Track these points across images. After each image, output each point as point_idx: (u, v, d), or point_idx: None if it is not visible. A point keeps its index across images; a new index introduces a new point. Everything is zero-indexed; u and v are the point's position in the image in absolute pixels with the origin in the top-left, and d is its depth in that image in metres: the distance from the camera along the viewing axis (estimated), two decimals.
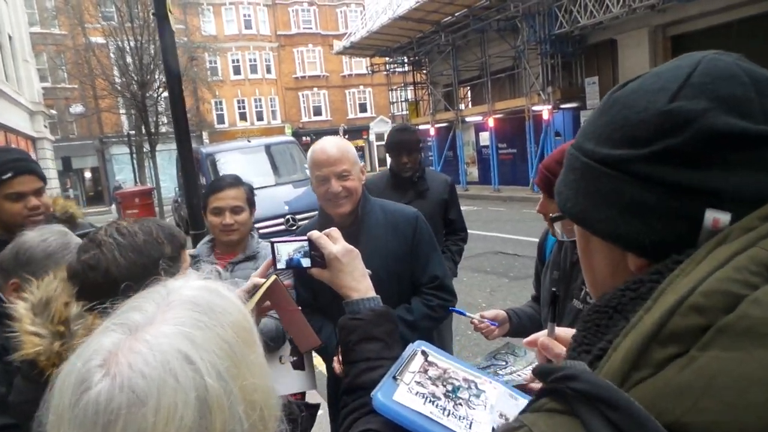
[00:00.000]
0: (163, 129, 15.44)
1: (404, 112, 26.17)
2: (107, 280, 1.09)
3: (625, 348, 0.48)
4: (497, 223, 12.66)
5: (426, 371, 1.11)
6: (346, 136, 35.69)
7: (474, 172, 22.03)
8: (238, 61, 37.25)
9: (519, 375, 1.57)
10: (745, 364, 0.42)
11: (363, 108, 41.09)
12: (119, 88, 16.52)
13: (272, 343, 2.13)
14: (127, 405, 0.53)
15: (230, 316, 0.64)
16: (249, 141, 11.55)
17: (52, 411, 0.57)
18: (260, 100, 38.03)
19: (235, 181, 2.32)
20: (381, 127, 38.33)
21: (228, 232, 2.25)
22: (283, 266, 1.16)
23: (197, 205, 2.34)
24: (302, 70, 39.37)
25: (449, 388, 1.07)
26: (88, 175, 35.07)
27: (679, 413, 0.43)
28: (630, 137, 0.57)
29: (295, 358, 2.39)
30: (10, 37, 18.09)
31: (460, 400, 1.04)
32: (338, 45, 26.77)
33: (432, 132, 22.78)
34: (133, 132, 20.49)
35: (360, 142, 40.10)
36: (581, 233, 0.66)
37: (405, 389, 1.00)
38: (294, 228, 8.56)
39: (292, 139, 12.82)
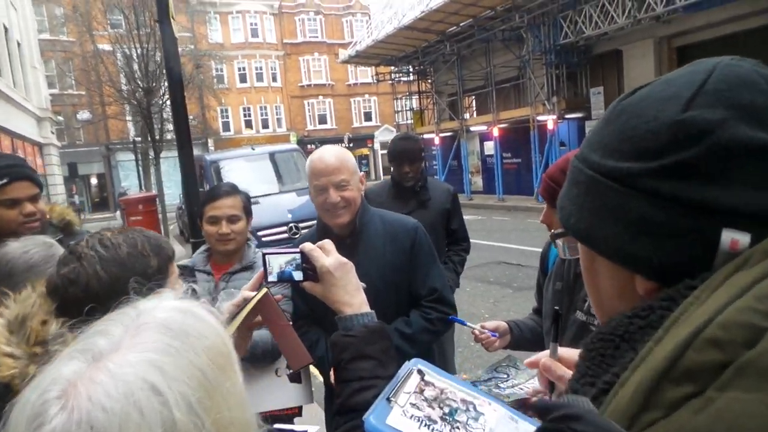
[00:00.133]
0: (168, 136, 15.51)
1: (409, 121, 26.20)
2: (88, 295, 1.02)
3: (633, 385, 0.44)
4: (501, 233, 12.59)
5: (422, 392, 1.06)
6: (351, 145, 35.80)
7: (478, 181, 21.98)
8: (244, 69, 37.46)
9: (521, 388, 1.52)
10: None
11: (368, 117, 41.19)
12: (126, 95, 16.62)
13: (268, 356, 2.08)
14: None
15: (206, 340, 0.59)
16: (253, 149, 11.57)
17: None
18: (266, 108, 38.18)
19: (232, 190, 2.29)
20: (386, 135, 38.38)
21: (224, 241, 2.21)
22: (275, 279, 1.11)
23: (198, 213, 2.31)
24: (308, 79, 39.54)
25: (446, 410, 1.02)
26: (94, 181, 35.22)
27: None
28: (639, 149, 0.52)
29: (291, 371, 2.34)
30: (18, 44, 18.25)
31: (458, 424, 0.99)
32: (344, 54, 26.87)
33: (437, 141, 22.78)
34: (139, 139, 20.59)
35: (365, 151, 40.18)
36: (585, 251, 0.61)
37: (399, 412, 0.96)
38: (297, 236, 8.53)
39: (296, 147, 12.83)
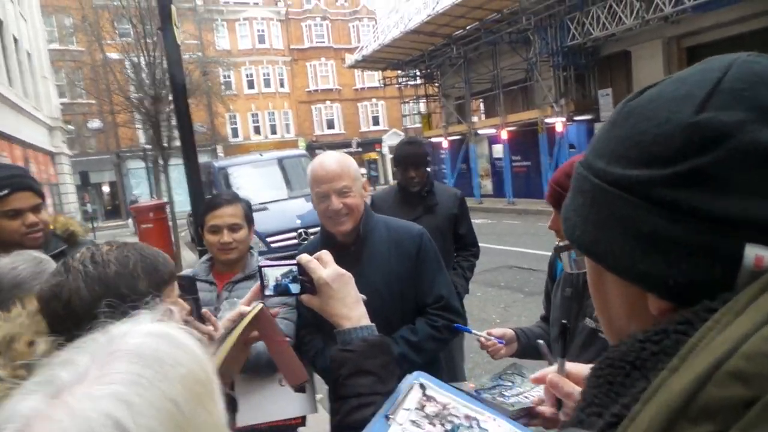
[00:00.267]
0: (177, 143, 15.57)
1: (417, 125, 26.17)
2: (68, 313, 0.96)
3: (645, 421, 0.39)
4: (512, 237, 12.50)
5: (423, 407, 1.02)
6: (360, 149, 35.84)
7: (488, 184, 21.88)
8: (251, 75, 37.66)
9: (526, 397, 1.48)
10: None
11: (376, 121, 41.21)
12: (135, 102, 16.76)
13: (273, 366, 2.05)
14: None
15: (181, 367, 0.54)
16: (261, 155, 11.60)
17: None
18: (274, 113, 38.34)
19: (233, 198, 2.26)
20: (394, 139, 38.35)
21: (226, 250, 2.18)
22: (271, 293, 1.08)
23: (198, 222, 2.29)
24: (315, 84, 39.67)
25: (448, 427, 0.98)
26: (105, 189, 35.53)
27: None
28: (649, 155, 0.47)
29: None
30: (29, 55, 18.47)
31: None
32: (350, 59, 26.93)
33: (445, 145, 22.72)
34: (149, 146, 20.75)
35: (373, 155, 40.20)
36: (593, 266, 0.57)
37: (398, 430, 0.92)
38: (306, 242, 8.51)
39: (304, 152, 12.85)
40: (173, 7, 4.04)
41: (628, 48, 15.75)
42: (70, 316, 0.96)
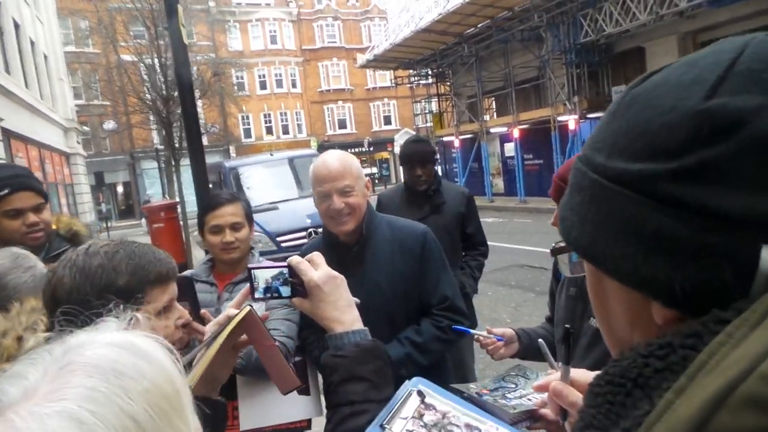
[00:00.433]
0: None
1: (428, 124, 26.09)
2: (53, 301, 0.97)
3: None
4: (523, 236, 12.38)
5: (421, 416, 0.98)
6: (371, 149, 35.82)
7: (499, 183, 21.74)
8: (264, 75, 37.81)
9: (529, 399, 1.43)
10: None
11: (387, 120, 41.19)
12: (149, 103, 16.94)
13: None
14: None
15: (144, 381, 0.50)
16: (272, 154, 11.61)
17: None
18: (286, 114, 38.47)
19: (232, 197, 2.24)
20: (405, 139, 38.32)
21: (229, 250, 2.15)
22: (261, 295, 1.04)
23: (198, 223, 2.26)
24: (327, 84, 39.74)
25: None
26: (120, 189, 35.93)
27: None
28: (653, 147, 0.42)
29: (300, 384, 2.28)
30: (45, 57, 18.71)
31: None
32: (362, 58, 26.91)
33: (456, 144, 22.62)
34: (162, 147, 20.95)
35: (384, 155, 40.19)
36: (592, 270, 0.51)
37: None
38: None
39: (315, 152, 12.83)
40: (180, 7, 4.04)
41: (642, 44, 15.52)
42: (54, 304, 0.95)
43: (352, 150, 36.42)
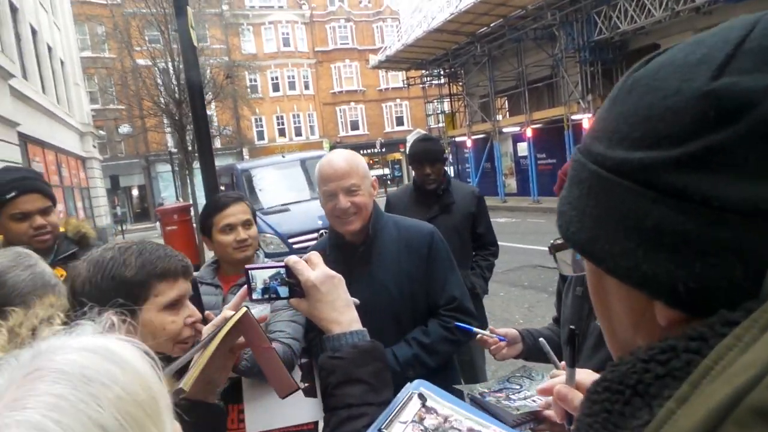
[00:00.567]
0: None
1: (441, 125, 26.03)
2: (72, 293, 1.06)
3: None
4: (536, 236, 12.27)
5: (422, 420, 0.95)
6: (384, 150, 35.83)
7: (512, 183, 21.60)
8: (276, 78, 38.03)
9: (533, 400, 1.40)
10: None
11: (400, 121, 41.17)
12: (163, 107, 17.15)
13: None
14: None
15: (115, 387, 0.47)
16: (284, 156, 11.64)
17: None
18: (299, 115, 38.64)
19: (239, 197, 2.24)
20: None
21: (243, 248, 2.15)
22: (259, 296, 1.02)
23: (204, 226, 2.25)
24: (339, 86, 39.84)
25: None
26: (135, 192, 36.37)
27: None
28: (655, 134, 0.39)
29: (306, 385, 2.25)
30: (62, 62, 19.00)
31: None
32: (374, 59, 26.94)
33: (469, 144, 22.52)
34: (175, 150, 21.17)
35: (397, 155, 40.16)
36: (592, 269, 0.48)
37: None
38: None
39: (326, 153, 12.84)
40: (189, 9, 4.05)
41: (657, 41, 15.28)
42: (72, 296, 1.05)
43: (365, 151, 36.50)
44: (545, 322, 2.28)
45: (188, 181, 13.39)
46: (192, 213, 11.34)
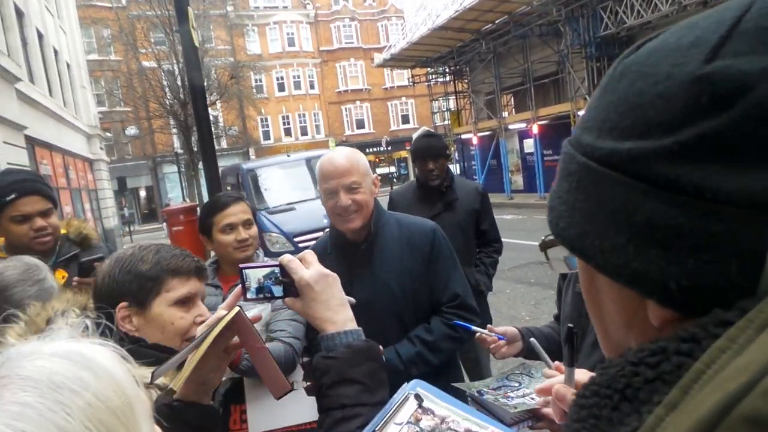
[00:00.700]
0: None
1: (447, 122, 25.97)
2: (94, 286, 1.20)
3: None
4: (543, 232, 11.98)
5: (418, 421, 0.93)
6: (389, 148, 35.80)
7: (519, 180, 21.52)
8: (282, 78, 38.10)
9: (532, 398, 1.38)
10: None
11: (405, 119, 41.12)
12: (168, 108, 17.24)
13: (282, 369, 1.98)
14: None
15: (86, 394, 0.45)
16: (289, 156, 11.65)
17: None
18: (304, 115, 38.69)
19: (238, 197, 2.23)
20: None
21: (244, 247, 2.15)
22: (253, 296, 1.01)
23: (204, 226, 2.24)
24: (345, 84, 39.84)
25: None
26: (142, 194, 36.57)
27: None
28: (646, 122, 0.37)
29: (309, 384, 2.24)
30: (68, 66, 19.11)
31: None
32: (379, 58, 26.91)
33: (475, 141, 22.45)
34: (181, 151, 21.28)
35: (403, 154, 40.12)
36: (583, 266, 0.46)
37: None
38: None
39: None
40: (190, 10, 4.05)
41: None
42: (96, 289, 1.20)
43: (371, 150, 36.50)
44: (551, 318, 2.26)
45: (194, 181, 13.45)
46: (198, 213, 11.36)
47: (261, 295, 1.01)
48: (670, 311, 0.37)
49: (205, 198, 12.90)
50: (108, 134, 27.92)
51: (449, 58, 23.24)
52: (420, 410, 0.94)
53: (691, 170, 0.34)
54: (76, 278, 1.99)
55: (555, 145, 19.04)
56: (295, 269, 0.95)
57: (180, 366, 0.98)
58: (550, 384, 0.84)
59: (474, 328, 1.76)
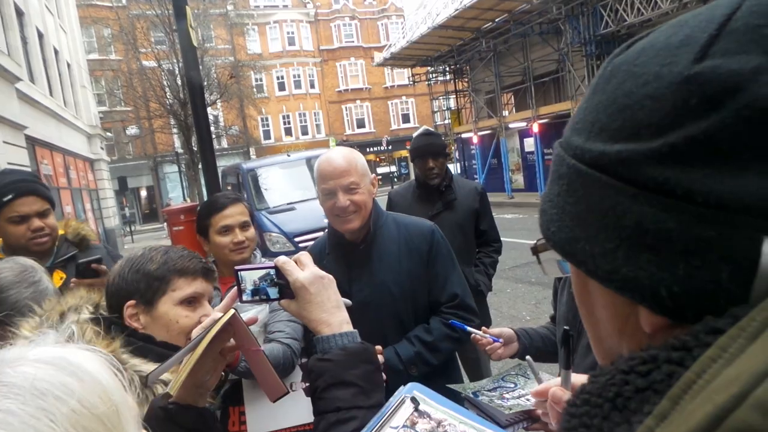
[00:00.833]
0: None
1: (447, 121, 25.95)
2: (108, 287, 1.25)
3: None
4: None
5: (414, 425, 0.92)
6: (390, 147, 35.80)
7: (519, 179, 21.49)
8: (282, 77, 38.08)
9: (527, 399, 1.37)
10: None
11: (406, 118, 41.10)
12: (169, 108, 17.23)
13: (280, 371, 1.98)
14: None
15: (71, 400, 0.45)
16: (289, 155, 11.65)
17: None
18: (305, 114, 38.67)
19: (236, 198, 2.22)
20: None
21: (240, 250, 2.13)
22: (249, 297, 1.00)
23: (200, 226, 2.23)
24: (345, 84, 39.82)
25: None
26: (143, 193, 36.57)
27: None
28: (634, 124, 0.36)
29: (307, 384, 2.23)
30: (68, 65, 19.11)
31: None
32: (379, 57, 26.89)
33: (475, 140, 22.43)
34: (182, 151, 21.28)
35: (404, 153, 40.12)
36: (575, 271, 0.46)
37: None
38: None
39: None
40: (188, 9, 4.05)
41: None
42: (106, 289, 1.25)
43: (371, 149, 36.50)
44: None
45: (195, 181, 13.46)
46: None
47: (257, 297, 1.00)
48: (661, 318, 0.37)
49: (206, 198, 12.91)
50: (108, 134, 27.91)
51: (449, 57, 23.21)
52: (416, 414, 0.94)
53: (680, 173, 0.34)
54: (74, 279, 1.98)
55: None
56: (291, 271, 0.95)
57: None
58: (547, 387, 0.83)
59: (469, 328, 1.75)
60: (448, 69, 24.67)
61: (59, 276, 2.15)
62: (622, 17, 14.61)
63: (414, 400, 0.95)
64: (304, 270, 0.95)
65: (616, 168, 0.37)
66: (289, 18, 38.51)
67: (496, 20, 18.92)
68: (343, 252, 2.01)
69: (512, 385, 1.43)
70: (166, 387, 1.04)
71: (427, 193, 3.25)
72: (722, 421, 0.27)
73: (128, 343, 1.13)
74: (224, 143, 32.01)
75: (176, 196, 30.99)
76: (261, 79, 35.42)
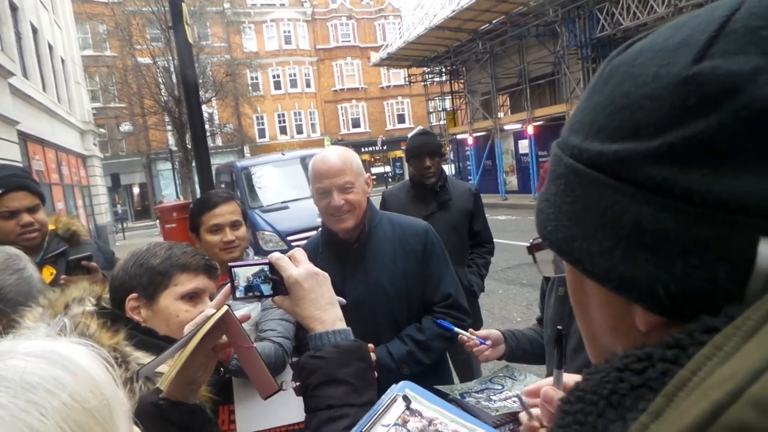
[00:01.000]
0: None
1: (442, 122, 25.99)
2: (112, 280, 1.27)
3: None
4: (536, 233, 12.21)
5: (405, 423, 0.92)
6: (385, 147, 35.81)
7: (513, 181, 21.56)
8: (278, 76, 38.01)
9: (513, 401, 1.37)
10: None
11: (401, 119, 41.14)
12: (163, 105, 17.15)
13: (271, 370, 1.97)
14: None
15: (62, 394, 0.44)
16: (283, 154, 11.62)
17: None
18: (300, 113, 38.63)
19: (229, 196, 2.20)
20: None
21: (230, 249, 2.12)
22: (242, 294, 0.99)
23: (192, 224, 2.22)
24: (341, 83, 39.80)
25: None
26: (136, 190, 36.39)
27: None
28: (633, 124, 0.36)
29: (298, 384, 2.22)
30: (62, 61, 18.98)
31: None
32: (375, 57, 26.90)
33: (470, 141, 22.48)
34: (176, 148, 21.20)
35: (399, 153, 40.15)
36: (571, 270, 0.46)
37: None
38: None
39: None
40: (184, 6, 4.03)
41: None
42: (111, 283, 1.27)
43: (366, 149, 36.47)
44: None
45: (188, 179, 13.41)
46: None
47: (250, 294, 1.00)
48: (657, 316, 0.37)
49: (199, 196, 12.85)
50: (102, 130, 27.75)
51: (446, 58, 23.25)
52: (408, 412, 0.93)
53: (678, 173, 0.34)
54: (63, 276, 1.96)
55: (550, 147, 19.03)
56: (285, 267, 0.94)
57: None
58: (539, 386, 0.83)
59: (456, 329, 1.75)
60: (444, 70, 24.71)
61: (49, 272, 2.14)
62: (618, 21, 14.69)
63: (406, 398, 0.95)
64: (298, 266, 0.95)
65: (614, 167, 0.37)
66: (286, 17, 38.44)
67: (493, 22, 18.98)
68: (337, 250, 2.00)
69: (500, 387, 1.44)
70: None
71: (422, 193, 3.26)
72: (717, 418, 0.27)
73: (131, 336, 1.13)
74: (219, 141, 31.89)
75: (169, 193, 30.85)
76: (257, 78, 35.34)
